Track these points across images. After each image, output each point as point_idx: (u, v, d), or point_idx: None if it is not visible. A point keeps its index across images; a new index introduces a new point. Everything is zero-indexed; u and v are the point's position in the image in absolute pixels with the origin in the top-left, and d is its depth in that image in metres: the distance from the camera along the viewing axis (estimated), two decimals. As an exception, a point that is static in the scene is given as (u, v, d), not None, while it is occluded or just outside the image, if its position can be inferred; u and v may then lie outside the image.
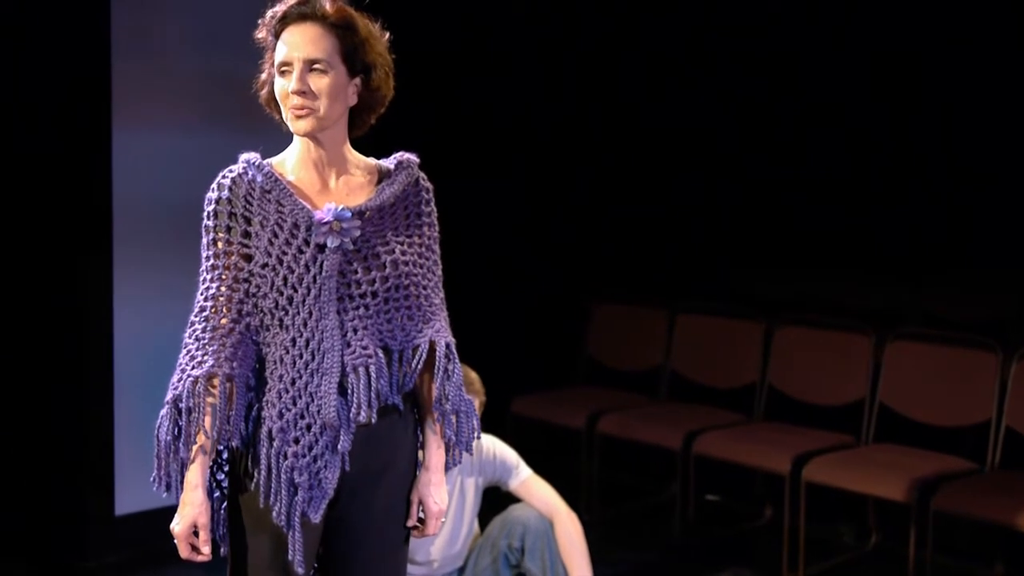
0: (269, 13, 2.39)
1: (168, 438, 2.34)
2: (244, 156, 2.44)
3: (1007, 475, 4.37)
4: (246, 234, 2.38)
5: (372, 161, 2.51)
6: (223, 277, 2.37)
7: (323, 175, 2.43)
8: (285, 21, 2.35)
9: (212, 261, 2.39)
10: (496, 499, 3.92)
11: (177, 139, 4.73)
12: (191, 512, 2.33)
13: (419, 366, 2.45)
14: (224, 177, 2.42)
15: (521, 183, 5.98)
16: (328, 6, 2.35)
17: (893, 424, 4.74)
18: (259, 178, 2.39)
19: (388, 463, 2.46)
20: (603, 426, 5.20)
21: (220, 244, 2.39)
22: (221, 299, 2.37)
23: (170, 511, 2.38)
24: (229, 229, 2.39)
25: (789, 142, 5.35)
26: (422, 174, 2.51)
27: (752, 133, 5.48)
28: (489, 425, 3.89)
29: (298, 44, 2.33)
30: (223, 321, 2.36)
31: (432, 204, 2.50)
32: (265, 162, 2.43)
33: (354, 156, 2.48)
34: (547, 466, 4.10)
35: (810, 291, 5.36)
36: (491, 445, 3.78)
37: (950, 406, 4.61)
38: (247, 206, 2.38)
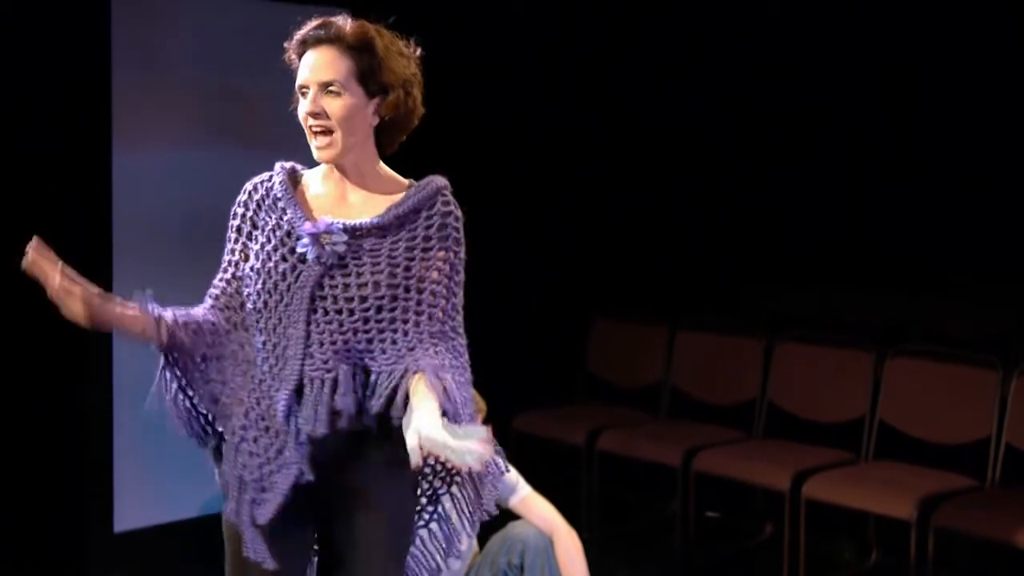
0: (295, 36, 2.43)
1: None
2: (279, 164, 2.53)
3: (1007, 492, 4.36)
4: (250, 236, 2.48)
5: (404, 182, 2.50)
6: (225, 272, 2.51)
7: (343, 191, 2.46)
8: (305, 45, 2.41)
9: (225, 257, 2.52)
10: (495, 516, 3.91)
11: (177, 152, 4.74)
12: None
13: (391, 392, 2.34)
14: (251, 181, 2.53)
15: (521, 194, 5.95)
16: (348, 27, 2.39)
17: (893, 441, 4.74)
18: (276, 187, 2.47)
19: (365, 488, 2.44)
20: (603, 443, 5.19)
21: (231, 243, 2.51)
22: (215, 291, 2.52)
23: (170, 528, 2.39)
24: (239, 231, 2.50)
25: (790, 158, 5.35)
26: (444, 198, 2.44)
27: (752, 147, 5.48)
28: (489, 442, 3.89)
29: (313, 67, 2.39)
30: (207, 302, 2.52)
31: (450, 229, 2.43)
32: (300, 171, 2.52)
33: (383, 175, 2.49)
34: (547, 483, 4.09)
35: (810, 306, 5.35)
36: (491, 462, 3.77)
37: (950, 423, 4.61)
38: (256, 211, 2.48)
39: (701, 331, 5.49)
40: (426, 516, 2.60)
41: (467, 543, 3.74)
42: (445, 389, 2.29)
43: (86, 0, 4.52)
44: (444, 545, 2.62)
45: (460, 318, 2.48)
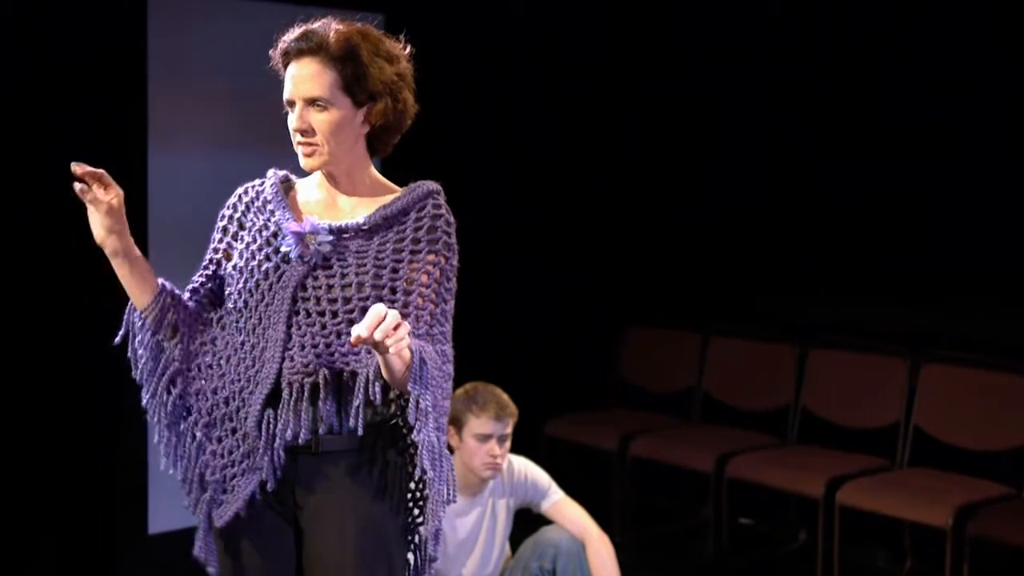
0: (278, 45, 2.38)
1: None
2: (272, 170, 2.50)
3: (1044, 500, 4.33)
4: (236, 236, 2.46)
5: (396, 187, 2.45)
6: (205, 269, 2.49)
7: (334, 197, 2.42)
8: (288, 56, 2.35)
9: (207, 256, 2.50)
10: (528, 521, 3.91)
11: (212, 154, 4.77)
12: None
13: (374, 394, 2.25)
14: (242, 186, 2.51)
15: (553, 198, 5.95)
16: (331, 36, 2.30)
17: (928, 448, 4.71)
18: (267, 191, 2.45)
19: (353, 504, 2.35)
20: (635, 448, 5.18)
21: (214, 243, 2.50)
22: (194, 285, 2.50)
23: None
24: (225, 231, 2.49)
25: (820, 164, 5.33)
26: (435, 201, 2.37)
27: (782, 151, 5.46)
28: (521, 447, 3.90)
29: (298, 82, 2.32)
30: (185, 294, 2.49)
31: (441, 233, 2.34)
32: (294, 179, 2.49)
33: (374, 181, 2.44)
34: (579, 488, 4.09)
35: (843, 313, 5.32)
36: (523, 467, 3.77)
37: (986, 430, 4.57)
38: (245, 213, 2.47)
39: (734, 337, 5.47)
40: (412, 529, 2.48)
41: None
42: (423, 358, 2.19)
43: (122, 5, 4.56)
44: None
45: (449, 327, 2.36)
